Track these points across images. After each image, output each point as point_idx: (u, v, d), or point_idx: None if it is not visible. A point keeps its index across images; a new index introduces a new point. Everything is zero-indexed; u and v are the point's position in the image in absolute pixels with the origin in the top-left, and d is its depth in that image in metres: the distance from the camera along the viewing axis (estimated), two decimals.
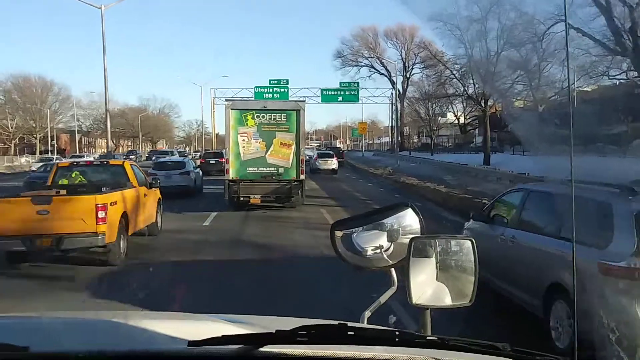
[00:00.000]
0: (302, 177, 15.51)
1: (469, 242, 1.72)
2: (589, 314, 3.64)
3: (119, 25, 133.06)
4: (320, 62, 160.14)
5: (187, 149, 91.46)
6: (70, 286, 7.80)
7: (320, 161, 33.46)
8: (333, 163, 33.71)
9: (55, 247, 8.41)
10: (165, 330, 1.46)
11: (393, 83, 64.17)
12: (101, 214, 8.36)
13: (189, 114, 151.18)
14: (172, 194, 14.95)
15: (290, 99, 47.78)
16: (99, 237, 8.37)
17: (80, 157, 43.20)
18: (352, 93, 54.41)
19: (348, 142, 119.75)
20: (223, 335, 1.20)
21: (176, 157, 30.00)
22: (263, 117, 15.19)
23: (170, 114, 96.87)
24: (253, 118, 15.15)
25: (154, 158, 38.96)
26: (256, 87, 52.06)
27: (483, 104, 36.10)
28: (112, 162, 11.97)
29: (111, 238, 8.53)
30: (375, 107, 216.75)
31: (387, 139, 76.58)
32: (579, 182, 7.31)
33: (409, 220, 1.81)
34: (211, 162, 30.87)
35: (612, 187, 5.09)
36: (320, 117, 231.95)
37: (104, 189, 9.29)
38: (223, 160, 17.65)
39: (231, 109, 15.27)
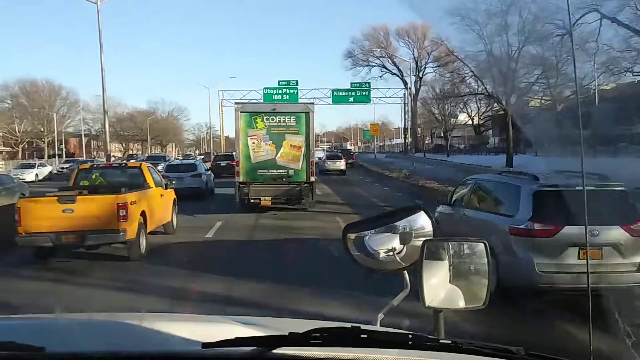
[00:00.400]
0: (313, 178, 16.21)
1: (482, 245, 1.76)
2: (507, 263, 6.39)
3: (127, 27, 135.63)
4: (331, 62, 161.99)
5: (197, 152, 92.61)
6: (88, 282, 8.55)
7: (329, 162, 35.98)
8: (341, 164, 36.29)
9: (80, 243, 9.29)
10: (179, 332, 1.49)
11: (405, 83, 64.34)
12: (122, 212, 9.25)
13: (198, 117, 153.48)
14: (184, 195, 15.72)
15: (300, 100, 48.19)
16: (120, 233, 9.26)
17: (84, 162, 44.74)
18: (364, 94, 54.88)
19: (359, 144, 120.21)
20: (237, 337, 1.25)
21: (188, 160, 30.89)
22: (272, 119, 15.92)
23: (179, 117, 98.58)
24: (263, 121, 15.91)
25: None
26: (265, 88, 52.60)
27: (504, 103, 35.16)
28: (129, 164, 12.91)
29: (131, 235, 9.41)
30: (386, 108, 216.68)
31: (399, 141, 76.13)
32: (506, 172, 9.66)
33: (421, 223, 1.86)
34: (222, 164, 31.92)
35: (524, 175, 7.48)
36: (330, 118, 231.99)
37: (123, 190, 10.17)
38: (234, 163, 18.48)
39: (241, 112, 16.05)
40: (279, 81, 53.38)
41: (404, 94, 61.80)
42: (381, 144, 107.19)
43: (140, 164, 12.09)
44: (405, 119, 62.33)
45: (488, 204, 7.95)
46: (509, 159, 33.58)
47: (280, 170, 16.04)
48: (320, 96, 55.47)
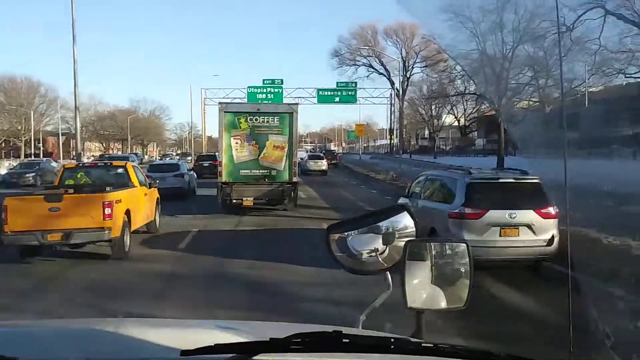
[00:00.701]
0: (295, 179, 16.76)
1: (463, 246, 1.82)
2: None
3: (110, 25, 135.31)
4: (316, 62, 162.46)
5: (178, 151, 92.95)
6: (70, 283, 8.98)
7: (311, 162, 37.85)
8: (323, 164, 38.56)
9: (65, 241, 9.72)
10: (158, 338, 1.51)
11: (392, 83, 65.20)
12: (107, 211, 9.70)
13: (180, 117, 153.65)
14: (167, 195, 16.06)
15: (284, 99, 49.22)
16: (106, 231, 9.70)
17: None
18: (350, 93, 55.47)
19: (344, 144, 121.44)
20: (216, 344, 1.25)
21: (169, 160, 31.28)
22: (256, 120, 16.41)
23: (161, 116, 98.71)
24: (246, 121, 16.39)
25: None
26: (249, 87, 53.12)
27: (496, 103, 35.31)
28: (115, 163, 13.33)
29: (116, 233, 9.86)
30: (371, 109, 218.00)
31: (383, 142, 76.78)
32: (447, 168, 12.26)
33: (404, 223, 1.91)
34: (204, 164, 32.44)
35: (462, 170, 9.83)
36: (315, 118, 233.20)
37: (108, 189, 10.62)
38: (216, 163, 18.92)
39: (224, 112, 16.51)
40: (263, 80, 53.96)
41: (391, 94, 62.63)
42: (365, 144, 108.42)
43: (125, 164, 12.51)
44: (391, 120, 63.08)
45: (435, 195, 9.92)
46: (500, 160, 33.01)
47: (263, 171, 16.52)
48: (306, 95, 56.03)
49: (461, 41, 33.80)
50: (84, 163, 14.64)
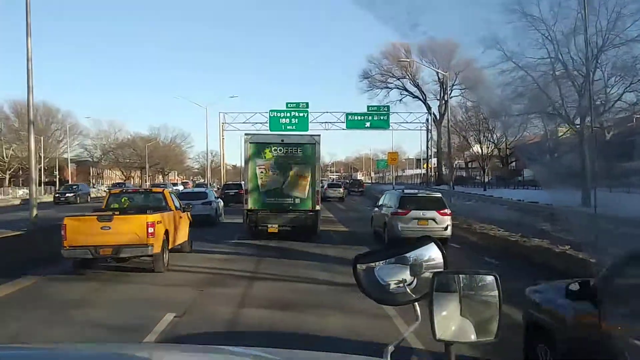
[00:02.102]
0: (318, 207, 19.55)
1: (492, 278, 1.99)
2: (390, 228, 18.12)
3: (130, 50, 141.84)
4: (345, 84, 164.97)
5: (200, 180, 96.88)
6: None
7: (330, 190, 46.33)
8: (340, 192, 50.29)
9: (115, 255, 12.71)
10: None
11: (429, 107, 65.44)
12: (150, 230, 12.66)
13: (203, 145, 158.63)
14: (195, 222, 18.76)
15: (310, 124, 52.31)
16: (149, 247, 12.64)
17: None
18: (382, 118, 55.69)
19: (372, 174, 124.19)
20: None
21: (198, 189, 35.18)
22: (280, 150, 19.37)
23: (182, 144, 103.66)
24: (271, 151, 19.35)
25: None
26: (271, 110, 54.17)
27: (579, 122, 31.83)
28: (154, 189, 16.46)
29: (157, 249, 12.80)
30: (398, 138, 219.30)
31: (412, 172, 77.48)
32: (396, 187, 24.80)
33: (432, 255, 2.13)
34: (230, 193, 37.18)
35: (400, 189, 23.66)
36: (341, 146, 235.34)
37: (148, 211, 13.65)
38: (242, 192, 21.80)
39: (250, 143, 19.55)
40: (287, 103, 54.67)
41: (427, 119, 62.51)
42: (394, 174, 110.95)
43: (163, 190, 15.64)
44: (428, 147, 63.20)
45: (387, 203, 18.82)
46: (585, 195, 26.82)
47: (287, 199, 19.36)
48: (333, 120, 56.83)
49: (530, 46, 32.36)
50: (128, 189, 17.84)
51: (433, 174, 66.30)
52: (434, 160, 69.60)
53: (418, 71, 70.42)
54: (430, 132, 61.95)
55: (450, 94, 65.33)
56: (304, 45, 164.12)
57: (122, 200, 15.37)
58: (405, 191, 19.97)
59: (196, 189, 32.58)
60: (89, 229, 12.65)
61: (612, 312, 4.54)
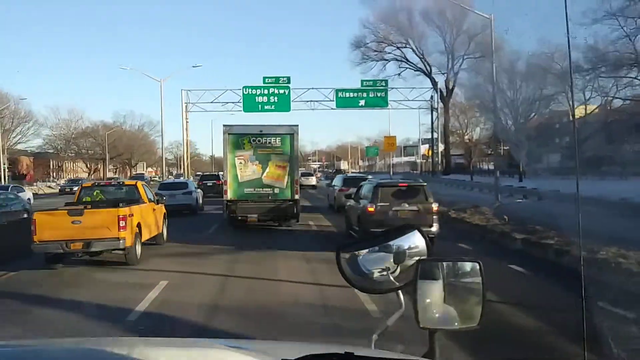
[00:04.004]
0: (297, 196, 21.15)
1: (476, 265, 2.19)
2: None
3: (97, 31, 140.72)
4: (333, 57, 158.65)
5: (175, 172, 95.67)
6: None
7: (302, 179, 45.39)
8: (313, 180, 55.37)
9: (86, 249, 13.67)
10: (166, 358, 1.88)
11: (434, 82, 60.76)
12: (122, 223, 13.74)
13: (175, 133, 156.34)
14: (177, 211, 20.16)
15: (293, 103, 50.40)
16: (120, 241, 13.70)
17: None
18: (379, 95, 51.32)
19: (361, 162, 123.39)
20: None
21: (180, 179, 38.20)
22: (259, 141, 20.76)
23: (151, 133, 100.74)
24: (250, 142, 20.72)
25: None
26: (245, 87, 50.14)
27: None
28: (126, 182, 17.49)
29: (129, 242, 13.92)
30: (384, 121, 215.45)
31: (404, 159, 74.39)
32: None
33: (416, 242, 2.35)
34: (208, 184, 39.55)
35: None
36: (326, 131, 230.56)
37: (120, 204, 14.57)
38: (220, 183, 22.91)
39: (228, 134, 21.03)
40: (264, 78, 50.30)
41: (432, 96, 57.55)
42: (381, 162, 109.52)
43: (136, 182, 16.61)
44: (433, 129, 59.28)
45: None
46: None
47: (267, 189, 20.97)
48: (320, 98, 52.92)
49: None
50: (99, 182, 18.83)
51: (440, 161, 62.06)
52: (437, 147, 63.66)
53: (423, 37, 63.99)
54: (437, 111, 57.47)
55: (461, 65, 60.81)
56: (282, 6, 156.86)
57: (94, 193, 16.39)
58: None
59: (177, 180, 34.64)
60: (59, 223, 13.74)
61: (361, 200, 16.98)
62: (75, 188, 45.35)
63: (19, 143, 78.58)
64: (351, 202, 18.97)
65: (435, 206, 16.32)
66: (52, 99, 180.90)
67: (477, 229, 20.42)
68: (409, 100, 55.14)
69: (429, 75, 63.32)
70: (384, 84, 52.58)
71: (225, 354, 2.00)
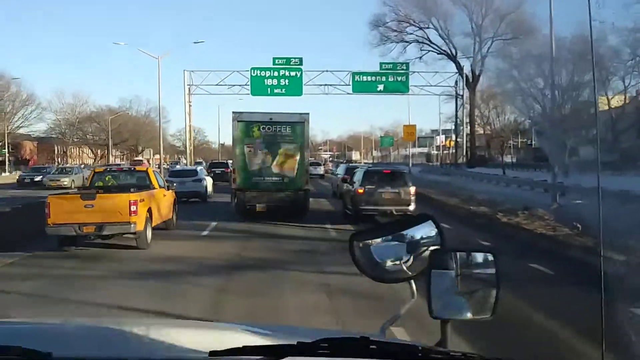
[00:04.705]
0: (307, 186, 21.85)
1: (490, 256, 2.26)
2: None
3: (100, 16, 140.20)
4: (348, 38, 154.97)
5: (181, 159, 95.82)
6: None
7: (311, 168, 49.33)
8: (321, 170, 58.63)
9: (98, 232, 14.47)
10: (186, 339, 1.98)
11: (459, 66, 58.24)
12: (133, 208, 14.57)
13: (181, 120, 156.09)
14: (187, 198, 20.94)
15: (305, 87, 48.89)
16: (131, 225, 14.51)
17: None
18: (399, 79, 49.24)
19: (374, 152, 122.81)
20: (244, 346, 1.62)
21: (190, 167, 39.44)
22: (269, 129, 21.43)
23: (157, 119, 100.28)
24: (259, 130, 21.35)
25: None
26: (253, 68, 48.51)
27: None
28: (138, 168, 18.27)
29: (140, 227, 14.76)
30: (402, 109, 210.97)
31: (415, 150, 71.05)
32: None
33: (429, 232, 2.41)
34: (217, 172, 40.76)
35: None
36: (339, 121, 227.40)
37: (132, 190, 15.31)
38: (228, 171, 23.58)
39: (237, 121, 21.69)
40: (274, 59, 48.62)
41: (456, 81, 55.22)
42: (395, 152, 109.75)
43: (147, 169, 17.40)
44: (457, 117, 57.51)
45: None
46: None
47: (276, 178, 21.54)
48: (335, 82, 50.92)
49: None
50: (111, 167, 19.64)
51: (465, 152, 58.85)
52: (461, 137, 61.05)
53: (447, 16, 60.93)
54: (462, 98, 55.10)
55: (489, 48, 56.86)
56: None
57: (106, 178, 17.14)
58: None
59: (187, 167, 35.33)
60: (72, 206, 14.62)
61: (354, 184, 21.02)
62: (38, 179, 44.38)
63: (21, 127, 78.69)
64: (347, 186, 22.85)
65: (412, 189, 20.35)
66: (57, 83, 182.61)
67: (544, 240, 16.40)
68: (431, 85, 52.77)
69: (453, 58, 60.21)
70: (404, 68, 50.46)
71: (242, 336, 2.13)
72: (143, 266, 13.07)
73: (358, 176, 21.35)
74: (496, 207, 23.29)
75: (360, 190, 20.12)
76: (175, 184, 19.57)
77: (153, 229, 15.93)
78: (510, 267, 11.02)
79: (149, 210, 15.54)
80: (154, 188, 16.91)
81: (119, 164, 74.28)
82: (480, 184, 38.22)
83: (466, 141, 57.86)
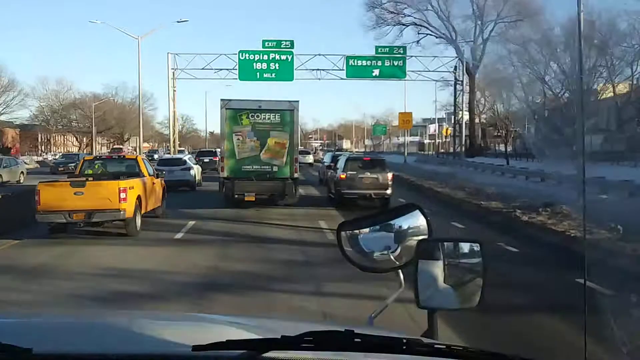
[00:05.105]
0: (296, 175, 22.34)
1: (477, 246, 2.33)
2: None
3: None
4: (342, 21, 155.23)
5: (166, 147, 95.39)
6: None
7: (300, 157, 49.59)
8: (310, 158, 60.68)
9: (87, 219, 14.85)
10: (170, 333, 2.03)
11: (459, 50, 57.02)
12: (123, 195, 15.02)
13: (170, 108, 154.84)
14: (175, 186, 21.37)
15: (296, 71, 47.33)
16: (121, 212, 14.94)
17: None
18: (396, 64, 47.32)
19: (367, 141, 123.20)
20: (227, 340, 1.64)
21: (178, 155, 39.36)
22: (257, 116, 21.81)
23: (145, 106, 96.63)
24: (248, 118, 21.71)
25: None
26: (241, 51, 46.38)
27: None
28: (127, 156, 18.59)
29: (130, 214, 15.23)
30: (394, 97, 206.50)
31: (405, 139, 69.83)
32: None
33: (417, 222, 2.48)
34: (205, 160, 41.21)
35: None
36: (331, 110, 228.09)
37: (121, 177, 15.67)
38: (216, 159, 23.83)
39: (226, 109, 22.11)
40: (263, 41, 46.53)
41: (456, 66, 52.94)
42: (386, 141, 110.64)
43: (136, 157, 17.72)
44: (456, 104, 55.88)
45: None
46: None
47: (265, 167, 21.98)
48: (328, 67, 48.58)
49: None
50: (101, 156, 19.98)
51: (464, 141, 56.53)
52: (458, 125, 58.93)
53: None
54: (460, 84, 53.05)
55: (491, 31, 56.34)
56: None
57: (96, 166, 17.49)
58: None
59: (175, 156, 36.64)
60: (62, 194, 15.10)
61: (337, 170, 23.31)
62: (72, 165, 41.05)
63: (2, 114, 77.80)
64: (331, 173, 25.17)
65: (390, 175, 22.47)
66: (41, 70, 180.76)
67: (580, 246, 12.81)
68: (429, 71, 50.70)
69: (453, 42, 58.48)
70: (402, 52, 48.50)
71: (227, 330, 2.20)
72: (88, 285, 10.48)
73: (341, 163, 23.61)
74: (510, 202, 21.10)
75: (343, 176, 22.22)
76: (164, 172, 20.00)
77: (142, 216, 16.43)
78: (558, 285, 10.12)
79: (139, 198, 16.03)
80: (144, 176, 17.37)
81: (90, 154, 74.25)
82: (484, 175, 35.97)
83: (465, 130, 55.80)
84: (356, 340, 1.64)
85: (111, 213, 15.08)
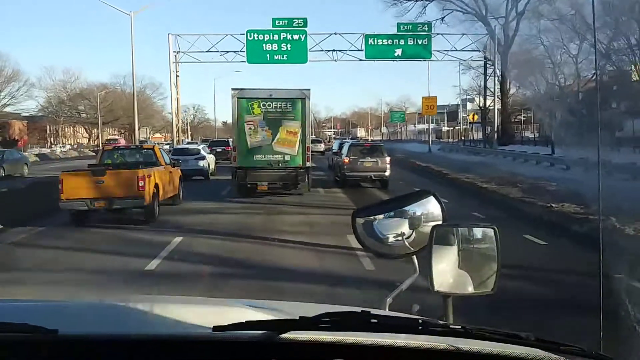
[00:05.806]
0: (308, 164, 23.39)
1: (492, 231, 2.37)
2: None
3: None
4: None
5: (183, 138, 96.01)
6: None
7: (312, 145, 52.58)
8: (321, 147, 64.34)
9: (108, 207, 16.03)
10: (190, 315, 2.11)
11: (490, 27, 52.41)
12: (141, 183, 16.18)
13: (183, 96, 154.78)
14: (189, 175, 22.88)
15: (310, 53, 45.61)
16: (140, 199, 16.07)
17: None
18: (420, 43, 44.73)
19: (384, 130, 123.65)
20: (247, 321, 1.73)
21: (192, 145, 40.26)
22: (269, 105, 23.01)
23: (153, 96, 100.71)
24: (259, 107, 22.91)
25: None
26: (249, 31, 44.21)
27: None
28: (145, 146, 19.76)
29: (148, 201, 16.39)
30: (407, 83, 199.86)
31: (423, 126, 70.93)
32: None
33: (431, 208, 2.56)
34: (217, 150, 42.58)
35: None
36: (345, 99, 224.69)
37: (140, 166, 16.79)
38: (229, 149, 24.77)
39: (237, 98, 23.11)
40: (273, 19, 44.33)
41: (486, 45, 49.87)
42: (399, 130, 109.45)
43: (153, 147, 18.89)
44: (486, 88, 53.24)
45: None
46: None
47: (277, 156, 23.00)
48: (346, 47, 46.17)
49: None
50: (120, 146, 21.20)
51: (496, 128, 54.26)
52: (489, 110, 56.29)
53: None
54: (491, 65, 50.68)
55: (525, 6, 51.44)
56: None
57: (115, 156, 18.74)
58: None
59: (190, 146, 37.96)
60: (83, 182, 16.39)
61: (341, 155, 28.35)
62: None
63: (7, 105, 78.37)
64: (336, 158, 30.69)
65: (388, 159, 26.39)
66: (47, 60, 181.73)
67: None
68: (457, 50, 47.68)
69: (483, 18, 53.56)
70: (426, 29, 45.41)
71: (246, 312, 2.29)
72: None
73: (345, 149, 28.19)
74: (590, 206, 15.21)
75: (346, 160, 26.53)
76: (180, 161, 21.37)
77: (160, 204, 17.78)
78: None
79: (156, 186, 17.47)
80: (161, 165, 18.83)
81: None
82: (530, 167, 32.07)
83: (496, 115, 52.30)
84: (372, 321, 1.72)
85: (130, 200, 16.45)
